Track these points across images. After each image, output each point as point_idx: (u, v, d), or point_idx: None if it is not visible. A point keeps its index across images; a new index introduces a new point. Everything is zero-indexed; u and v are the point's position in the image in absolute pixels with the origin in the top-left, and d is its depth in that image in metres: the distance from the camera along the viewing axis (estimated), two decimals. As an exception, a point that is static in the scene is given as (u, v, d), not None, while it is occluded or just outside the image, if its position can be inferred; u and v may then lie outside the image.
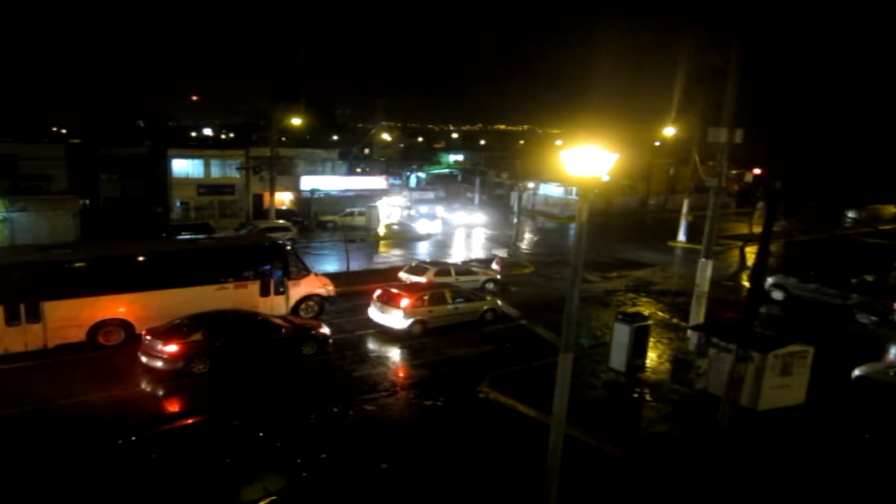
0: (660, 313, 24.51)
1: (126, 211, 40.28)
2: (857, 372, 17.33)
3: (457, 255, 35.20)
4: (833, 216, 48.62)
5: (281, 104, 46.65)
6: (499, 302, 23.17)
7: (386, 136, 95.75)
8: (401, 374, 17.89)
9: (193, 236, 28.31)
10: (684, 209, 41.27)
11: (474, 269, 27.99)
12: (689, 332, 18.92)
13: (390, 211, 48.84)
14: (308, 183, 45.14)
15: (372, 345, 19.96)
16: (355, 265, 29.37)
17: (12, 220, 30.33)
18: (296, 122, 54.09)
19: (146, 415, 14.09)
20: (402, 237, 40.40)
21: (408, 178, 72.86)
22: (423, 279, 24.73)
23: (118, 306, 18.68)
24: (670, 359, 18.25)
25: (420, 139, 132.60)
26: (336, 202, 45.07)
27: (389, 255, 35.01)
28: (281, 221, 38.55)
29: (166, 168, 41.72)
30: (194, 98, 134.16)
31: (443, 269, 26.15)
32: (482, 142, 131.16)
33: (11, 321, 17.26)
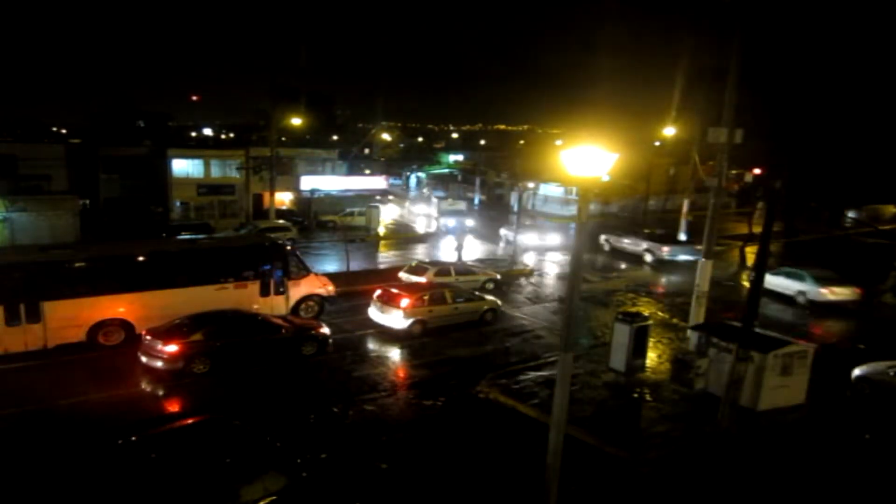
0: (660, 313, 24.52)
1: (126, 211, 40.23)
2: (857, 372, 17.32)
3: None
4: (833, 216, 48.60)
5: (281, 104, 46.72)
6: (499, 302, 23.18)
7: (386, 136, 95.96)
8: (401, 374, 17.89)
9: (193, 236, 28.30)
10: (684, 209, 41.26)
11: (474, 269, 27.98)
12: (689, 332, 18.94)
13: (415, 219, 46.37)
14: (308, 183, 45.13)
15: (372, 345, 19.96)
16: (355, 265, 29.36)
17: (12, 220, 30.25)
18: (296, 122, 54.18)
19: (146, 415, 14.11)
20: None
21: (407, 178, 72.93)
22: (423, 279, 24.74)
23: (118, 306, 18.67)
24: (670, 359, 18.26)
25: (420, 139, 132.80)
26: (336, 202, 45.04)
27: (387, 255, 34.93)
28: (281, 221, 38.51)
29: (166, 168, 41.69)
30: (194, 98, 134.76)
31: (443, 269, 26.10)
32: (482, 142, 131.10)
33: (11, 321, 17.24)
